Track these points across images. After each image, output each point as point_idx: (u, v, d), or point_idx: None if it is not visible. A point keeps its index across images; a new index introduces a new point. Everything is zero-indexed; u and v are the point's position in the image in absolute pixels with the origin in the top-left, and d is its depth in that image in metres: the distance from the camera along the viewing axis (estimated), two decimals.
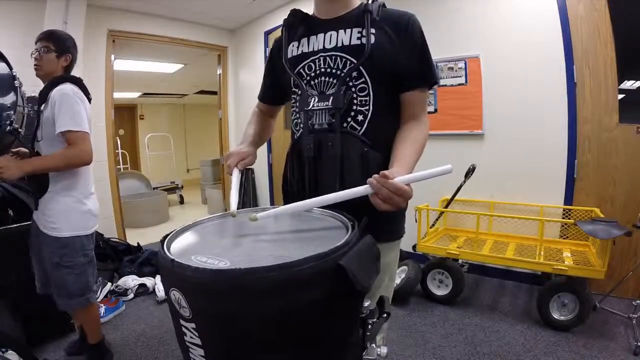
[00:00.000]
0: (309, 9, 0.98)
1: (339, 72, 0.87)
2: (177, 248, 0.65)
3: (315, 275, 0.51)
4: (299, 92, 0.93)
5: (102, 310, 2.27)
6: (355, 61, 0.85)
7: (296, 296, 0.51)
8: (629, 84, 2.25)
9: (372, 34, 0.85)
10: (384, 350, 0.66)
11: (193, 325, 0.55)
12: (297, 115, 0.95)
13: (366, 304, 0.64)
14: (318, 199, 0.71)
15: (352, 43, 0.87)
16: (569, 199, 2.37)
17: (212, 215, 0.83)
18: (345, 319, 0.60)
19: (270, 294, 0.50)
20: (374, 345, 0.65)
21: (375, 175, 0.66)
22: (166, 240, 0.65)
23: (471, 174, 2.48)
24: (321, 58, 0.89)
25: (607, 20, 2.17)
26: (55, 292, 1.57)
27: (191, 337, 0.57)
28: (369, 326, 0.64)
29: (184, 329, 0.57)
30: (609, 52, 2.19)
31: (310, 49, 0.92)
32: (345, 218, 0.72)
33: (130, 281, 2.65)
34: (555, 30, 2.30)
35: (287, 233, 0.77)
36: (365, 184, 0.68)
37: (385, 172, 0.66)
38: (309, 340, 0.56)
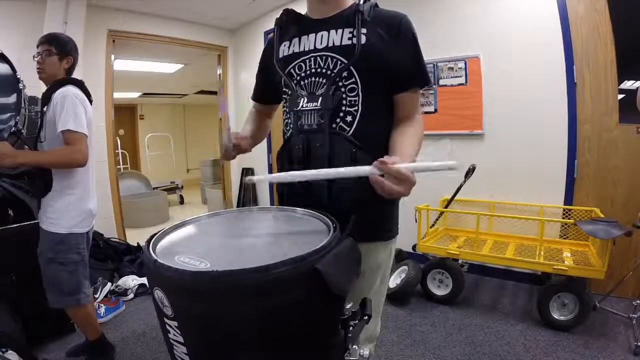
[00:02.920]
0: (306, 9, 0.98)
1: (329, 72, 0.86)
2: (163, 247, 0.67)
3: (291, 279, 0.52)
4: (289, 93, 0.92)
5: (102, 310, 2.27)
6: (345, 61, 0.85)
7: (273, 298, 0.52)
8: (629, 84, 2.24)
9: (364, 34, 0.85)
10: (365, 352, 0.66)
11: (175, 323, 0.56)
12: (288, 116, 0.95)
13: (348, 305, 0.64)
14: (323, 171, 0.70)
15: (343, 43, 0.86)
16: (569, 199, 2.37)
17: (200, 215, 0.83)
18: (325, 321, 0.60)
19: (247, 295, 0.51)
20: (355, 347, 0.65)
21: (375, 162, 0.65)
22: (153, 240, 0.67)
23: (471, 174, 2.48)
24: (312, 58, 0.89)
25: (607, 20, 2.17)
26: (47, 288, 1.58)
27: (174, 335, 0.58)
28: (351, 328, 0.64)
29: (167, 326, 0.59)
30: (609, 52, 2.19)
31: (302, 49, 0.91)
32: (329, 220, 0.72)
33: (130, 281, 2.65)
34: (555, 30, 2.30)
35: (271, 235, 0.79)
36: (354, 184, 0.67)
37: (383, 158, 0.64)
38: (289, 341, 0.56)
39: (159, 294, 0.56)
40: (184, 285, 0.52)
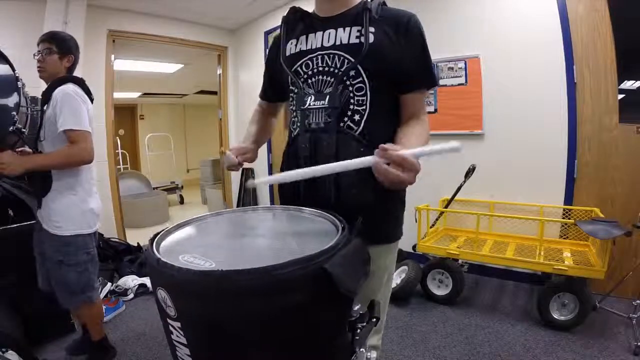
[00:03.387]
0: (308, 8, 0.98)
1: (336, 71, 0.86)
2: (167, 246, 0.65)
3: (299, 279, 0.50)
4: (296, 91, 0.92)
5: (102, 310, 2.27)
6: (353, 60, 0.84)
7: (280, 299, 0.51)
8: (629, 84, 2.25)
9: (372, 32, 0.84)
10: (373, 355, 0.65)
11: (178, 324, 0.55)
12: (295, 114, 0.94)
13: (356, 307, 0.62)
14: (322, 167, 0.69)
15: (350, 41, 0.86)
16: (569, 199, 2.37)
17: (205, 214, 0.82)
18: (333, 322, 0.59)
19: (252, 296, 0.50)
20: (363, 350, 0.63)
21: (376, 150, 0.64)
22: (156, 239, 0.65)
23: (471, 174, 2.48)
24: (319, 56, 0.88)
25: (607, 20, 2.17)
26: (57, 289, 1.58)
27: (177, 336, 0.57)
28: (358, 330, 0.62)
29: (170, 327, 0.57)
30: (609, 52, 2.19)
31: (309, 47, 0.91)
32: (337, 220, 0.71)
33: (130, 281, 2.65)
34: (555, 30, 2.30)
35: (277, 235, 0.78)
36: (360, 187, 0.65)
37: (384, 145, 0.63)
38: (295, 343, 0.55)
39: (162, 293, 0.55)
40: (187, 285, 0.51)
